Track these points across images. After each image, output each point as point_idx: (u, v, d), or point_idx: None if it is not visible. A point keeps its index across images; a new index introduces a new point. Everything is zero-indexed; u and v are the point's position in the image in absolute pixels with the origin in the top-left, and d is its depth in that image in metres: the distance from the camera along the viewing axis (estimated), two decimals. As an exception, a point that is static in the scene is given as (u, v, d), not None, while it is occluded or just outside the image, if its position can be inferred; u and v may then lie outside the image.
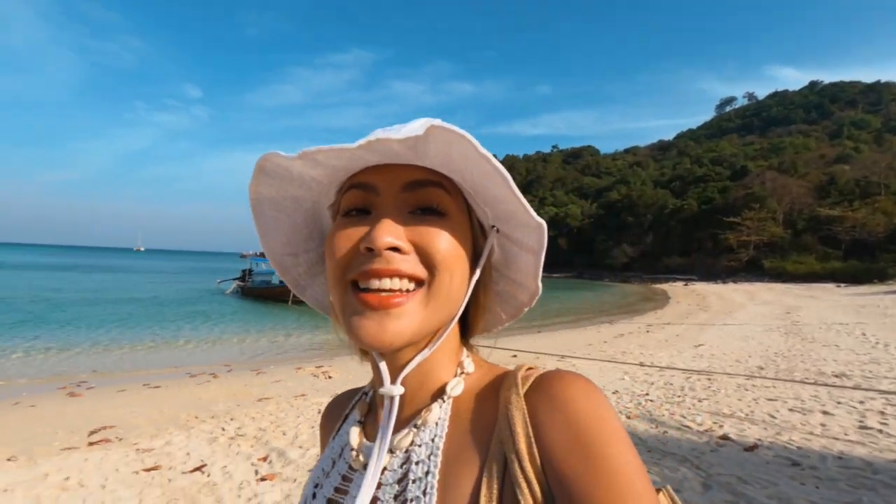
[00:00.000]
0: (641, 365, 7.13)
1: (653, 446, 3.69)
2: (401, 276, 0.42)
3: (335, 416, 0.62)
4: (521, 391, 0.44)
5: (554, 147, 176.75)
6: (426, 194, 0.45)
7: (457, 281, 0.46)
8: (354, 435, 0.52)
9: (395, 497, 0.44)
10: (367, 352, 0.52)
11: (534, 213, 0.46)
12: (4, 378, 7.08)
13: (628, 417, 4.49)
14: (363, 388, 0.62)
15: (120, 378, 7.13)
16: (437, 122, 0.37)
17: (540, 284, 0.53)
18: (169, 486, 3.23)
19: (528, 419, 0.42)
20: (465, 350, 0.53)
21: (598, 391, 0.42)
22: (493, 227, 0.51)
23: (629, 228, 77.96)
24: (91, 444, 4.06)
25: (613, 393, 5.43)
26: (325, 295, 0.61)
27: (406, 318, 0.42)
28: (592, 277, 66.63)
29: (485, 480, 0.41)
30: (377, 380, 0.49)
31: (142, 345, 10.25)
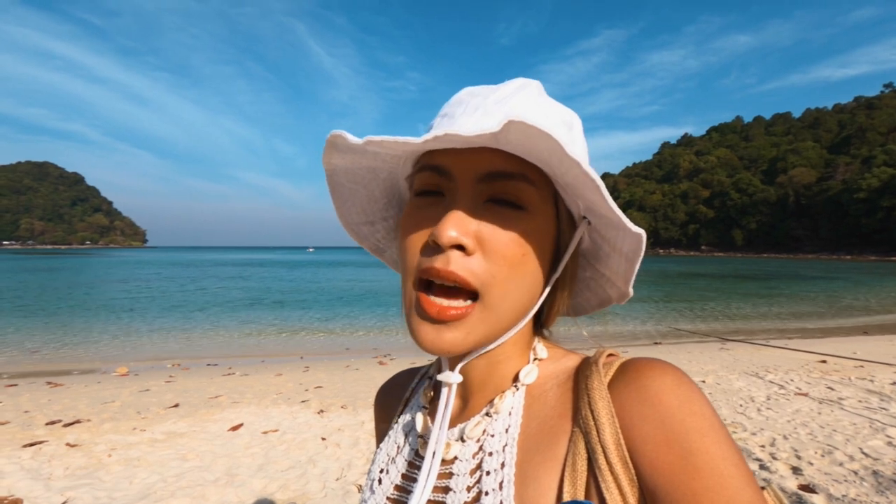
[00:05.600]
0: None
1: None
2: (456, 280, 0.39)
3: (394, 398, 0.59)
4: (605, 379, 0.41)
5: (887, 86, 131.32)
6: (504, 186, 0.41)
7: (527, 282, 0.42)
8: (420, 421, 0.50)
9: (469, 488, 0.42)
10: None
11: (630, 224, 0.40)
12: (342, 350, 9.52)
13: None
14: (421, 368, 0.60)
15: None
16: (518, 115, 0.33)
17: (632, 290, 0.47)
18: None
19: (613, 410, 0.39)
20: (536, 336, 0.50)
21: (690, 381, 0.39)
22: (584, 218, 0.45)
23: None
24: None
25: None
26: None
27: (464, 329, 0.40)
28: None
29: (567, 474, 0.38)
30: (438, 365, 0.47)
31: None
